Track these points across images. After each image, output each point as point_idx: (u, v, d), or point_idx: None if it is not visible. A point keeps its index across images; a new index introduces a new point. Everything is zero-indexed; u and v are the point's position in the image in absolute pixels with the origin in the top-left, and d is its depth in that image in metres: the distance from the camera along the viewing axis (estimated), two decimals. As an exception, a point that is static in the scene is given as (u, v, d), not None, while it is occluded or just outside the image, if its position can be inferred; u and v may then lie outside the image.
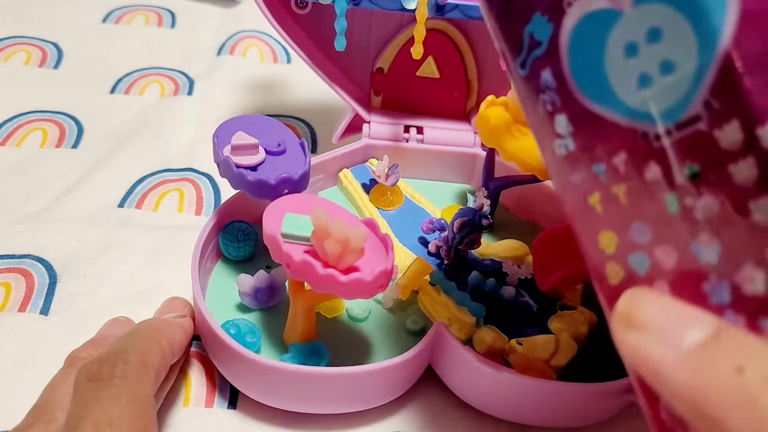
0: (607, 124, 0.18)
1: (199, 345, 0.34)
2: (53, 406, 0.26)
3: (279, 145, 0.34)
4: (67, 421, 0.24)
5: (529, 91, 0.21)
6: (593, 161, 0.19)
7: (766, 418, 0.14)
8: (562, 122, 0.20)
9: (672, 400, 0.16)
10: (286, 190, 0.32)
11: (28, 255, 0.37)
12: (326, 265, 0.27)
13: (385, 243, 0.30)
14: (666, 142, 0.16)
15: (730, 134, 0.15)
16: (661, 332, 0.16)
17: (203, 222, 0.40)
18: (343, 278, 0.27)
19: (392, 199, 0.40)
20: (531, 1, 0.20)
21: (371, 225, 0.31)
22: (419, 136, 0.42)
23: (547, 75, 0.20)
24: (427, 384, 0.33)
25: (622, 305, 0.17)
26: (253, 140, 0.33)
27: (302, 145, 0.35)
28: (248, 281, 0.32)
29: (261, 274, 0.32)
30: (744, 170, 0.15)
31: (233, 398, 0.32)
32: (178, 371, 0.31)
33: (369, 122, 0.42)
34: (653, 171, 0.17)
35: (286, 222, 0.29)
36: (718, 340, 0.15)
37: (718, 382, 0.14)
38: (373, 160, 0.42)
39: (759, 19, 0.14)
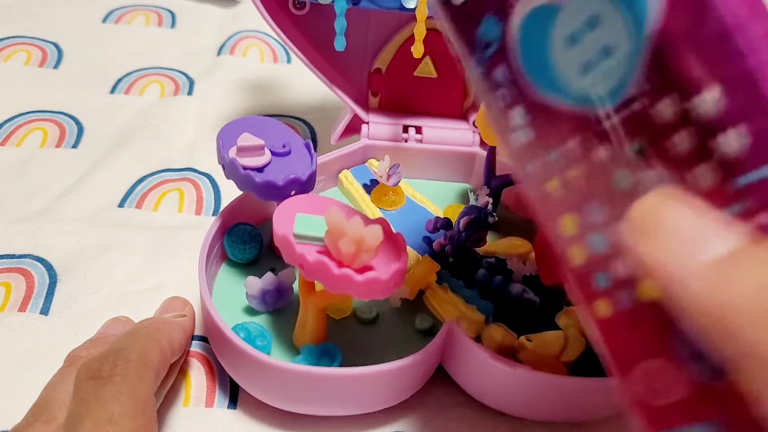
0: (558, 112, 0.19)
1: (200, 345, 0.34)
2: (53, 405, 0.26)
3: (284, 146, 0.34)
4: (68, 419, 0.24)
5: (486, 88, 0.22)
6: (549, 149, 0.20)
7: None
8: (517, 114, 0.21)
9: (685, 310, 0.15)
10: (294, 191, 0.32)
11: (28, 255, 0.37)
12: (341, 264, 0.27)
13: (398, 242, 0.30)
14: (612, 122, 0.17)
15: (665, 109, 0.16)
16: (681, 242, 0.15)
17: (203, 222, 0.41)
18: (359, 278, 0.26)
19: (394, 199, 0.40)
20: (481, 4, 0.21)
21: (383, 225, 0.31)
22: (418, 136, 0.42)
23: (500, 71, 0.21)
24: (426, 385, 0.33)
25: (638, 210, 0.16)
26: (259, 141, 0.32)
27: (307, 146, 0.34)
28: (256, 283, 0.32)
29: (268, 276, 0.32)
30: (681, 142, 0.16)
31: (233, 398, 0.32)
32: (178, 370, 0.31)
33: (368, 123, 0.42)
34: (603, 151, 0.18)
35: (298, 222, 0.29)
36: (742, 255, 0.14)
37: (738, 294, 0.14)
38: (373, 161, 0.42)
39: None
